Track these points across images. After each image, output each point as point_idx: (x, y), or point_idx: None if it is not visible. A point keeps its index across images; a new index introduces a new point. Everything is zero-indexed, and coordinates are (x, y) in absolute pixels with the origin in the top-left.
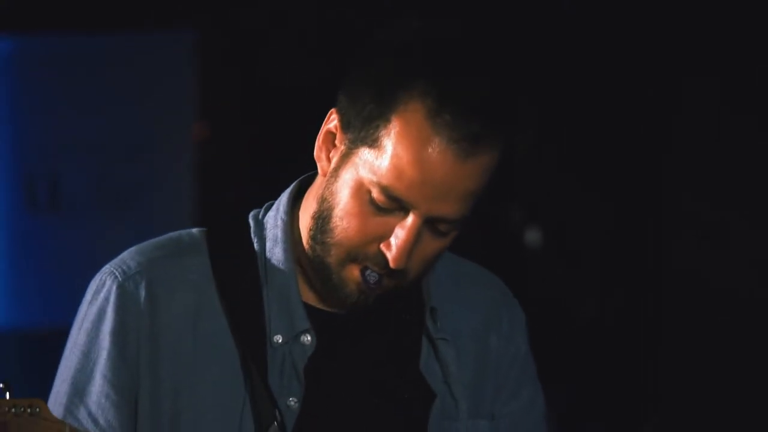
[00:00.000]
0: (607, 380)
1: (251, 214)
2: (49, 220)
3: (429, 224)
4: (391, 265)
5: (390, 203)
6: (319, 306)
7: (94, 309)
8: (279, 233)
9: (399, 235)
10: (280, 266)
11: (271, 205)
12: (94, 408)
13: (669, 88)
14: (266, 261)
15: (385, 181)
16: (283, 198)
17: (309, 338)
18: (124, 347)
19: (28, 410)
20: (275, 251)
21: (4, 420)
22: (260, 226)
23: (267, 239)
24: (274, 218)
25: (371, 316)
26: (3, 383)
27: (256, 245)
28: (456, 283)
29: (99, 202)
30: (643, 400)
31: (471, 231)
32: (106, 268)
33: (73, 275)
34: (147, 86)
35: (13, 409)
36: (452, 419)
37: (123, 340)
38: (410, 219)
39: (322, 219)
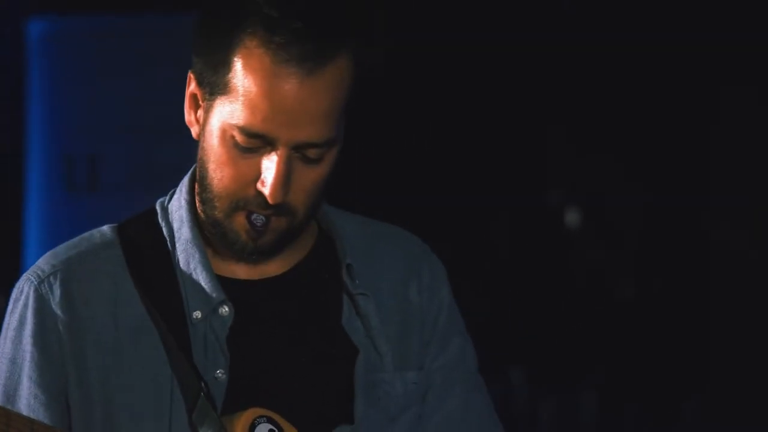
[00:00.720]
0: (648, 361)
1: (158, 202)
2: (87, 200)
3: (298, 153)
4: (270, 201)
5: (253, 142)
6: (233, 276)
7: (15, 316)
8: (183, 213)
9: (269, 170)
10: (189, 244)
11: (176, 190)
12: (25, 411)
13: (713, 63)
14: (175, 243)
15: (242, 122)
16: (185, 180)
17: (227, 309)
18: (45, 348)
19: None
20: (182, 231)
21: None
22: (166, 211)
23: (173, 221)
24: (177, 200)
25: (287, 280)
26: None
27: (164, 230)
28: (371, 242)
29: (137, 183)
30: (683, 379)
31: (511, 214)
32: (24, 276)
33: None
34: (186, 67)
35: None
36: (378, 371)
37: (44, 341)
38: (276, 152)
39: (202, 177)
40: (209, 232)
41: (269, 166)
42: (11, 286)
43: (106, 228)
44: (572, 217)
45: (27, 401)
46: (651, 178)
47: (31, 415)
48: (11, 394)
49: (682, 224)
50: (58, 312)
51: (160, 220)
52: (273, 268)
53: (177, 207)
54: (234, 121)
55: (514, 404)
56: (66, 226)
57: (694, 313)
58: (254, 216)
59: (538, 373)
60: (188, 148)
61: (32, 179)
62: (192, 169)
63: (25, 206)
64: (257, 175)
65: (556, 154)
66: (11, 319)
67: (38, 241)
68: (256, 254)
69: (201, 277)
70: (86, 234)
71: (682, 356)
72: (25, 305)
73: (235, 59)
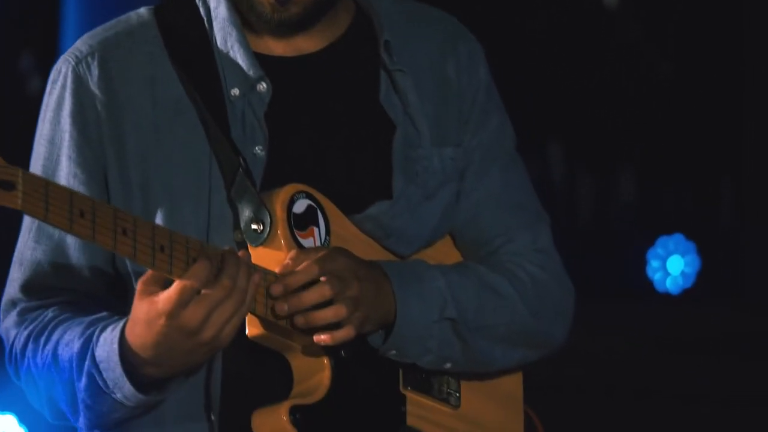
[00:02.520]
0: (685, 140)
1: None
2: None
3: None
4: None
5: None
6: (270, 54)
7: (54, 97)
8: None
9: None
10: (226, 23)
11: None
12: None
13: None
14: (212, 21)
15: None
16: None
17: (264, 85)
18: (84, 127)
19: None
20: (219, 10)
21: None
22: None
23: (210, 1)
24: None
25: (324, 56)
26: None
27: (201, 9)
28: (409, 19)
29: None
30: (721, 160)
31: None
32: (62, 57)
33: None
34: None
35: None
36: (416, 147)
37: (82, 120)
38: None
39: None
40: (240, 8)
41: None
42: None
43: (143, 9)
44: None
45: (66, 181)
46: None
47: None
48: (50, 175)
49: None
50: (96, 92)
51: (197, 1)
52: (310, 44)
53: None
54: None
55: (552, 181)
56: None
57: (729, 94)
58: None
59: (577, 151)
60: None
61: None
62: None
63: None
64: None
65: None
66: (49, 100)
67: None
68: (282, 26)
69: (238, 55)
70: (123, 16)
71: (717, 136)
72: (63, 86)
73: None
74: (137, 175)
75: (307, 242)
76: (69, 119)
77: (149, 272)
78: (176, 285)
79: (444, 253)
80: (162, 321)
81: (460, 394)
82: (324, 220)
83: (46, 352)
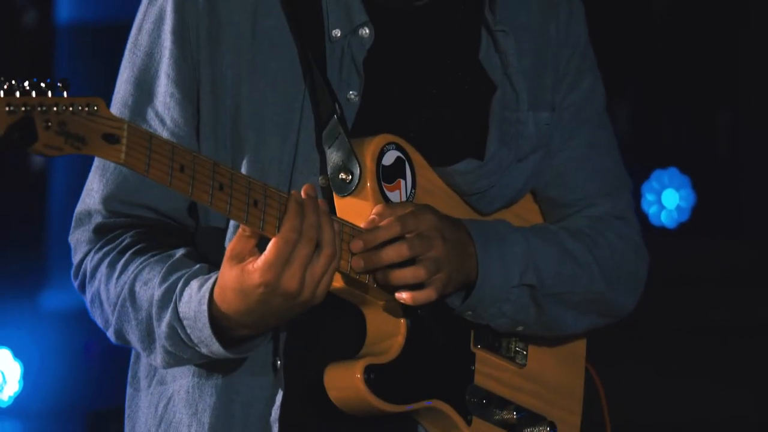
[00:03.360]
0: (682, 71)
1: None
2: None
3: None
4: None
5: None
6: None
7: (155, 9)
8: None
9: None
10: None
11: None
12: (161, 108)
13: None
14: None
15: None
16: None
17: (367, 31)
18: (184, 45)
19: (86, 108)
20: None
21: (63, 119)
22: None
23: None
24: None
25: (430, 9)
26: (61, 81)
27: None
28: None
29: None
30: (717, 89)
31: None
32: None
33: None
34: None
35: (71, 108)
36: (513, 110)
37: (183, 38)
38: None
39: None
40: None
41: None
42: None
43: None
44: None
45: (163, 98)
46: None
47: (166, 113)
48: (147, 89)
49: None
50: (200, 12)
51: None
52: None
53: None
54: None
55: None
56: None
57: (725, 25)
58: None
59: None
60: None
61: None
62: None
63: None
64: None
65: None
66: (150, 10)
67: None
68: None
69: None
70: None
71: (715, 67)
72: None
73: None
74: (229, 100)
75: (394, 195)
76: (171, 36)
77: (236, 238)
78: (272, 249)
79: (525, 210)
80: (261, 290)
81: (527, 352)
82: (411, 173)
83: (121, 283)
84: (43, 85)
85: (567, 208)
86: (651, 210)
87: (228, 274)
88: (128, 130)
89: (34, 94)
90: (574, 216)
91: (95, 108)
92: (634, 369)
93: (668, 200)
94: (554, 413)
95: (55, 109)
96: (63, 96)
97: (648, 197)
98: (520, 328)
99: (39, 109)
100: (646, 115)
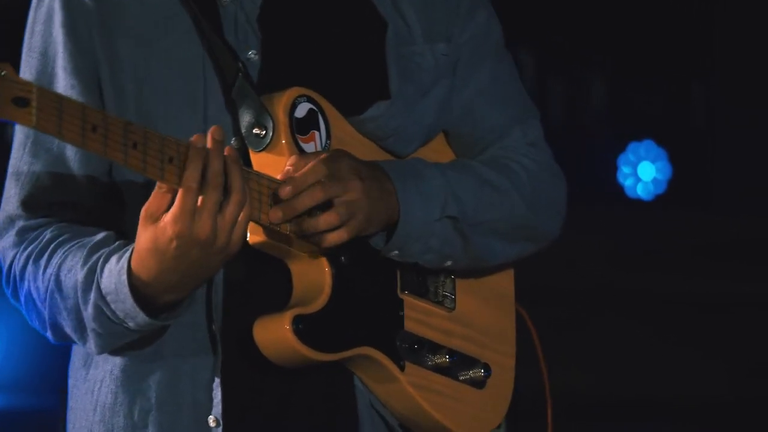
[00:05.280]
0: (655, 43)
1: None
2: None
3: None
4: None
5: None
6: None
7: (43, 9)
8: None
9: None
10: None
11: None
12: None
13: None
14: None
15: None
16: None
17: None
18: (77, 37)
19: None
20: None
21: None
22: None
23: None
24: None
25: None
26: None
27: None
28: None
29: None
30: (690, 61)
31: None
32: None
33: None
34: None
35: None
36: (409, 44)
37: (75, 30)
38: None
39: None
40: None
41: None
42: None
43: None
44: None
45: (64, 92)
46: None
47: None
48: (46, 87)
49: None
50: (87, 2)
51: None
52: None
53: None
54: None
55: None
56: None
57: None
58: None
59: (546, 57)
60: None
61: None
62: None
63: None
64: None
65: None
66: (38, 14)
67: None
68: None
69: None
70: None
71: (688, 39)
72: None
73: None
74: (130, 81)
75: (309, 147)
76: (62, 30)
77: (152, 197)
78: (178, 200)
79: (439, 151)
80: (174, 244)
81: (455, 296)
82: (325, 124)
83: (47, 275)
84: None
85: (479, 142)
86: (627, 182)
87: (143, 235)
88: (37, 93)
89: None
90: (487, 150)
91: (3, 72)
92: (608, 339)
93: (644, 173)
94: (487, 355)
95: None
96: None
97: (624, 170)
98: (449, 263)
99: None
100: (621, 87)
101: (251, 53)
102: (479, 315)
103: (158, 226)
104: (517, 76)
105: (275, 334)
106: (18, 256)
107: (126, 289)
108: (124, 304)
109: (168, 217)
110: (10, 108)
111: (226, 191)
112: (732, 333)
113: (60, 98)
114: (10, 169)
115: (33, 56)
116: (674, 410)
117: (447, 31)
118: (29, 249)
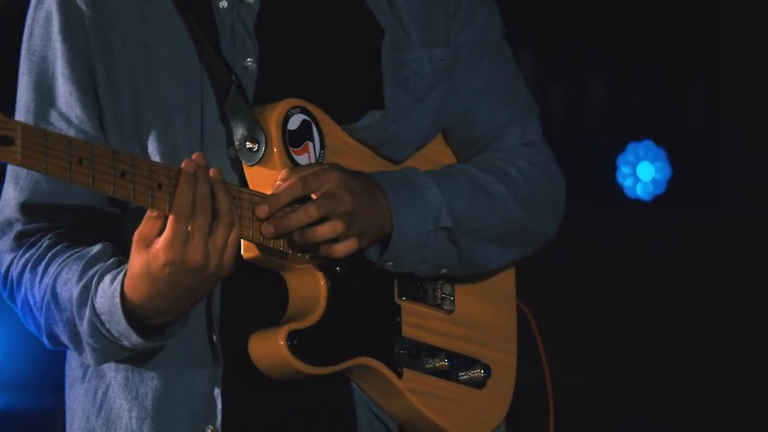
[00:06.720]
0: (655, 45)
1: None
2: None
3: None
4: None
5: None
6: None
7: (42, 12)
8: None
9: None
10: None
11: None
12: (64, 108)
13: None
14: None
15: None
16: None
17: None
18: (73, 44)
19: None
20: None
21: None
22: None
23: None
24: None
25: None
26: None
27: None
28: None
29: None
30: (690, 63)
31: None
32: None
33: None
34: None
35: None
36: (405, 50)
37: (71, 37)
38: None
39: None
40: None
41: None
42: None
43: None
44: None
45: (64, 98)
46: None
47: (70, 112)
48: (47, 92)
49: None
50: (83, 7)
51: None
52: None
53: None
54: None
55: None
56: None
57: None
58: None
59: (546, 57)
60: None
61: None
62: None
63: None
64: None
65: None
66: (37, 15)
67: None
68: None
69: None
70: None
71: (687, 39)
72: (50, 1)
73: None
74: (127, 88)
75: (302, 159)
76: (59, 36)
77: (143, 221)
78: (169, 226)
79: (437, 151)
80: (167, 270)
81: (454, 298)
82: (318, 134)
83: (44, 285)
84: None
85: (477, 143)
86: (626, 182)
87: (136, 260)
88: (22, 131)
89: None
90: (484, 151)
91: None
92: (608, 339)
93: (643, 173)
94: (488, 355)
95: None
96: None
97: (623, 170)
98: (444, 271)
99: None
100: (621, 87)
101: (248, 61)
102: (479, 314)
103: (150, 251)
104: (517, 73)
105: (270, 350)
106: (16, 261)
107: (120, 313)
108: (118, 325)
109: (160, 243)
110: None
111: (214, 214)
112: (732, 333)
113: (45, 134)
114: (9, 172)
115: (33, 59)
116: (674, 410)
117: (445, 34)
118: (27, 255)
